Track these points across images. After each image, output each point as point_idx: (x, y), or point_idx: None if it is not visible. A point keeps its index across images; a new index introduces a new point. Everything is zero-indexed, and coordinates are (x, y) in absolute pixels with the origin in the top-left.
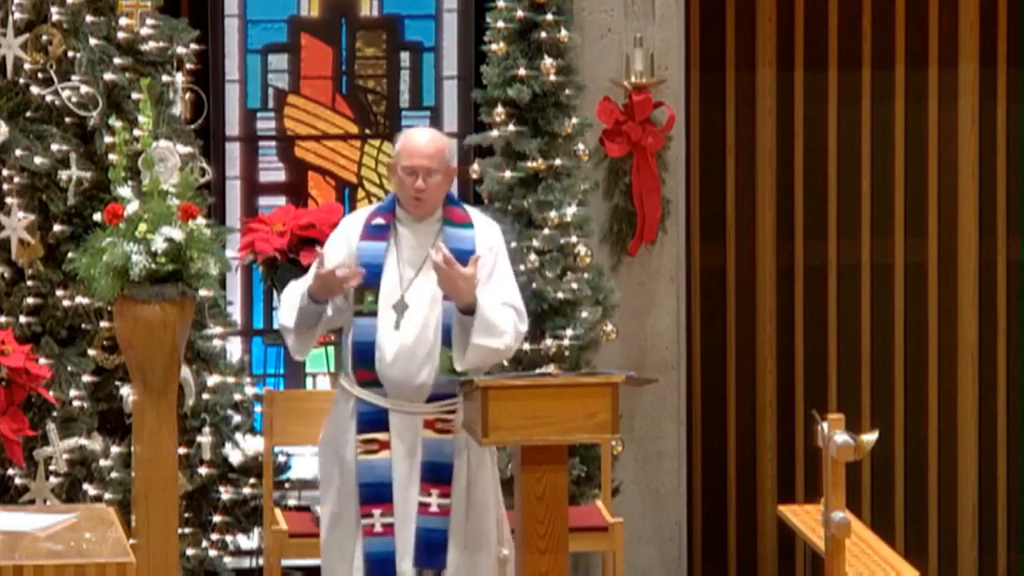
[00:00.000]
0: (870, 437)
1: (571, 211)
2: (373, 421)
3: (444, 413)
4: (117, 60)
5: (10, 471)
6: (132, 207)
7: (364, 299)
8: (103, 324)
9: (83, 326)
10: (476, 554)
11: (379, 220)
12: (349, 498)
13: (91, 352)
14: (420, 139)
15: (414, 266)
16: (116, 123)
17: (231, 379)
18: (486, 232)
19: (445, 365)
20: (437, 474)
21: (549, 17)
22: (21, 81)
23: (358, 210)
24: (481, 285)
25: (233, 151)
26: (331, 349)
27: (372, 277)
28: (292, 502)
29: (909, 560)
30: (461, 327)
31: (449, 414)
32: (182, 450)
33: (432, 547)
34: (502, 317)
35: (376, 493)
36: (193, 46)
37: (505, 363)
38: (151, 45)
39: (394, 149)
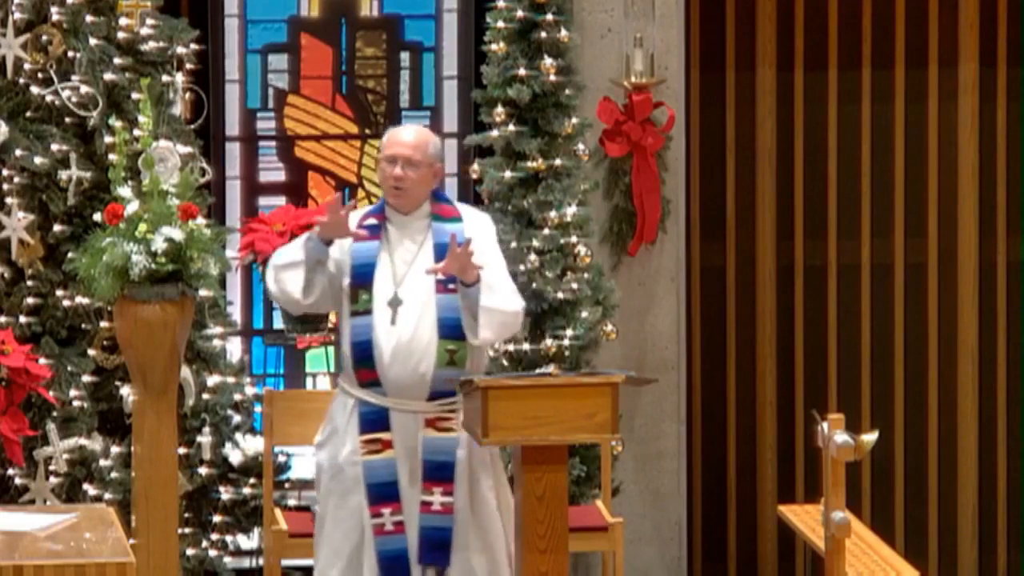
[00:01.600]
0: (870, 437)
1: (571, 211)
2: (375, 421)
3: (445, 411)
4: (117, 60)
5: (10, 471)
6: (132, 207)
7: (359, 298)
8: (103, 324)
9: (83, 326)
10: (480, 553)
11: (371, 220)
12: (344, 498)
13: (91, 352)
14: (403, 131)
15: (406, 262)
16: (116, 123)
17: (231, 379)
18: (475, 224)
19: (443, 359)
20: (439, 473)
21: (549, 17)
22: (21, 81)
23: (352, 213)
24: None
25: (233, 151)
26: (331, 349)
27: (366, 276)
28: (292, 502)
29: (909, 560)
30: (469, 300)
31: (450, 412)
32: (182, 450)
33: (436, 545)
34: (504, 282)
35: (384, 492)
36: (193, 46)
37: (505, 363)
38: (151, 45)
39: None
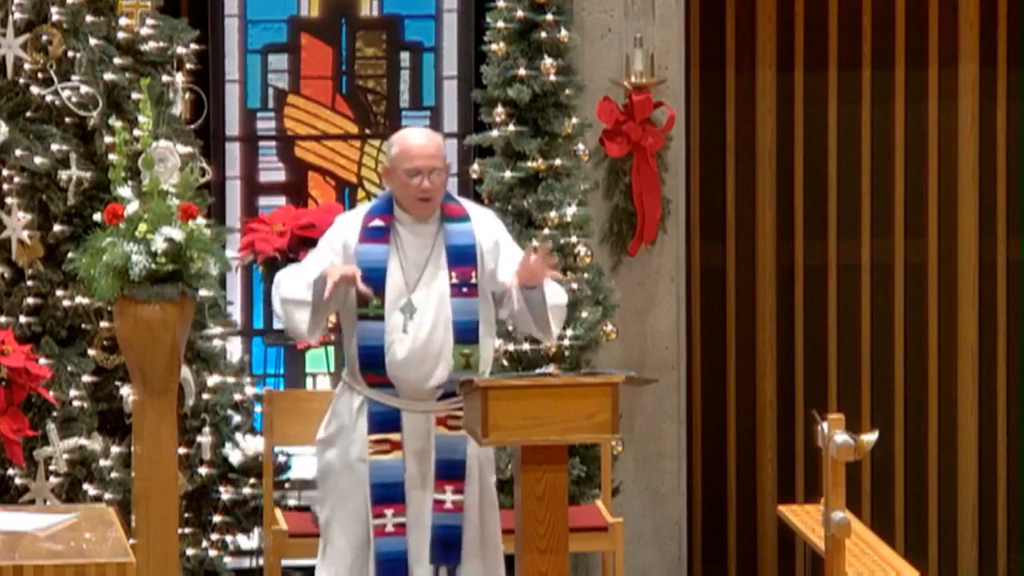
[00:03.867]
0: (870, 437)
1: (571, 211)
2: (384, 421)
3: (455, 410)
4: (117, 60)
5: (10, 471)
6: (132, 207)
7: (369, 303)
8: (103, 324)
9: (83, 326)
10: (489, 550)
11: (377, 222)
12: (350, 497)
13: (91, 352)
14: (420, 139)
15: (418, 267)
16: (116, 123)
17: (231, 379)
18: (484, 222)
19: (459, 363)
20: (451, 471)
21: (549, 17)
22: (21, 81)
23: (351, 211)
24: (502, 269)
25: (233, 151)
26: (331, 349)
27: (376, 281)
28: (292, 502)
29: (909, 560)
30: (532, 302)
31: (459, 410)
32: (182, 450)
33: (447, 544)
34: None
35: (388, 494)
36: (193, 46)
37: (505, 363)
38: (151, 45)
39: (388, 152)
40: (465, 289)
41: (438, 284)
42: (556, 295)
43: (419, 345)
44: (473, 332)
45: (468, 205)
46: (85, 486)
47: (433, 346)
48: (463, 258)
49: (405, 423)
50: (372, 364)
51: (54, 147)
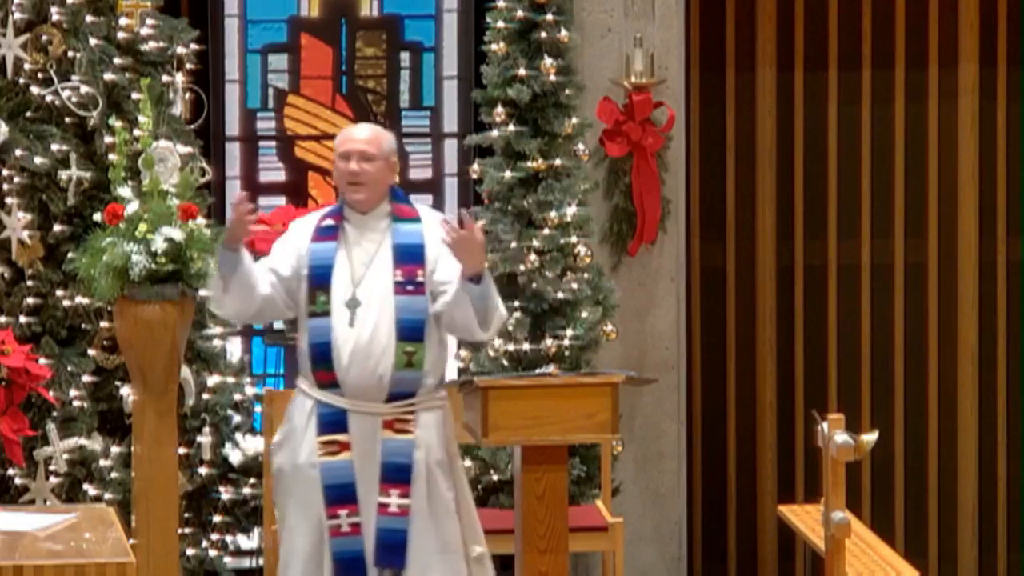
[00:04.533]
0: (870, 437)
1: (571, 211)
2: (333, 423)
3: (403, 413)
4: (117, 60)
5: (10, 471)
6: (132, 207)
7: (317, 299)
8: (103, 324)
9: (83, 326)
10: (438, 554)
11: (328, 222)
12: (303, 499)
13: (91, 352)
14: (355, 129)
15: (364, 264)
16: (116, 123)
17: (231, 379)
18: (435, 226)
19: (401, 361)
20: (396, 475)
21: (549, 17)
22: (21, 81)
23: (308, 215)
24: (441, 268)
25: (233, 151)
26: None
27: (323, 277)
28: None
29: (909, 560)
30: (474, 295)
31: (408, 414)
32: (182, 450)
33: (392, 547)
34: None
35: (341, 494)
36: (193, 46)
37: (505, 363)
38: (151, 45)
39: None
40: (410, 287)
41: (383, 281)
42: (498, 300)
43: (363, 341)
44: (417, 331)
45: (422, 209)
46: (85, 486)
47: (377, 343)
48: (409, 257)
49: (352, 425)
50: (321, 360)
51: (54, 147)
